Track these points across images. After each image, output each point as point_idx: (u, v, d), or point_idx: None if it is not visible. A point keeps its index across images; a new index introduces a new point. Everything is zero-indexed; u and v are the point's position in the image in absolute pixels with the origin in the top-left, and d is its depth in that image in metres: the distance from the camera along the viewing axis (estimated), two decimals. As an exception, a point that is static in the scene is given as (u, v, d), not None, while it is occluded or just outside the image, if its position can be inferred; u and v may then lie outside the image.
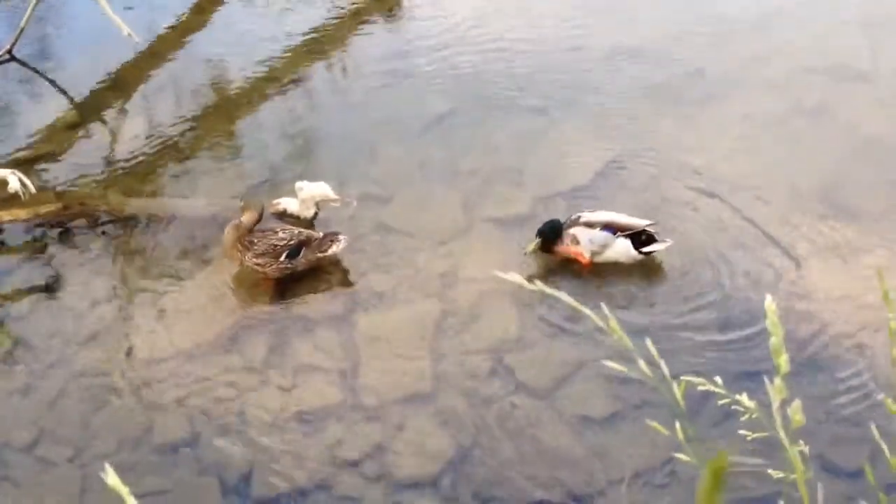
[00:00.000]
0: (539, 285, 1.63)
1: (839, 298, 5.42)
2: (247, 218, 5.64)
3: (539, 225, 5.78)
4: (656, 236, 5.66)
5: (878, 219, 5.98)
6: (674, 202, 6.22)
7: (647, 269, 5.67)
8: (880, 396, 4.89)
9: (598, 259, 5.68)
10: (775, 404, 1.53)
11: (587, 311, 1.62)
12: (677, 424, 1.63)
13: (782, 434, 1.55)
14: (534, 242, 5.72)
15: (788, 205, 6.15)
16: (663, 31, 8.11)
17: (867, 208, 6.07)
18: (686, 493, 4.46)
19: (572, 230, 5.68)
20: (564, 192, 6.29)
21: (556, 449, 4.69)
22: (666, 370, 1.61)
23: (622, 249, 5.63)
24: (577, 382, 5.04)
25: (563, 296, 1.58)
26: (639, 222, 5.67)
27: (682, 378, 1.82)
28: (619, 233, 5.63)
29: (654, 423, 1.81)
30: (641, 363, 1.56)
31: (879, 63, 7.58)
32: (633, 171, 6.52)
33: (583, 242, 5.65)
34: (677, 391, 1.61)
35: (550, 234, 5.72)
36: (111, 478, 1.53)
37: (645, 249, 5.63)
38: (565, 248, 5.70)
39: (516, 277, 1.65)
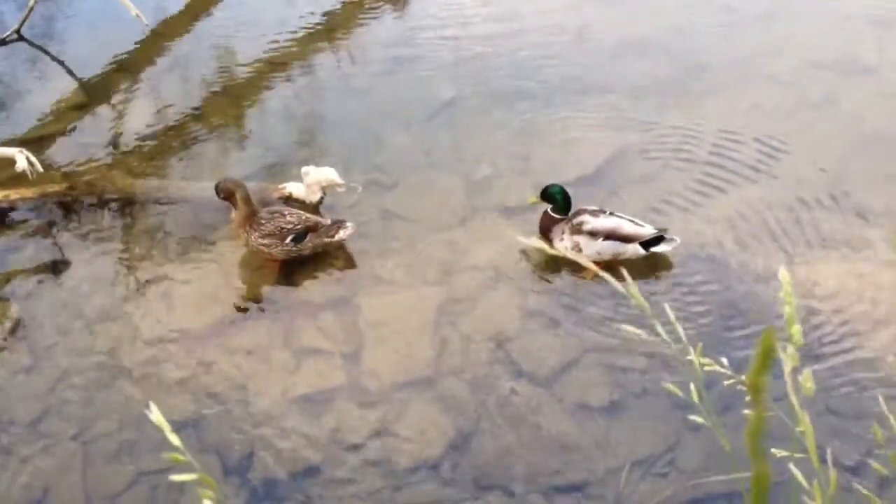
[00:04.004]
0: (559, 249, 1.64)
1: (842, 292, 5.43)
2: (241, 206, 5.65)
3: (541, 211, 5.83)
4: (664, 234, 5.62)
5: (883, 213, 6.00)
6: (678, 193, 6.24)
7: (651, 261, 5.68)
8: (879, 350, 4.93)
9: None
10: (787, 370, 1.57)
11: (606, 275, 1.64)
12: (692, 385, 1.65)
13: (794, 398, 1.58)
14: (537, 198, 5.76)
15: (793, 197, 6.17)
16: (669, 23, 8.12)
17: (872, 202, 6.09)
18: (685, 483, 4.49)
19: (576, 237, 5.65)
20: (569, 182, 6.28)
21: (557, 436, 4.72)
22: (682, 332, 1.63)
23: (630, 251, 5.61)
24: (577, 371, 5.06)
25: (583, 259, 1.59)
26: (645, 231, 5.57)
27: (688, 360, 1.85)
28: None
29: (668, 385, 1.83)
30: (658, 327, 1.58)
31: (885, 57, 7.59)
32: (638, 161, 6.54)
33: (586, 252, 5.60)
34: (694, 354, 1.64)
35: (560, 201, 5.69)
36: (155, 415, 1.62)
37: (653, 249, 5.59)
38: (565, 251, 5.66)
39: (536, 242, 1.67)
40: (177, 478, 1.68)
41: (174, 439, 1.67)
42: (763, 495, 1.05)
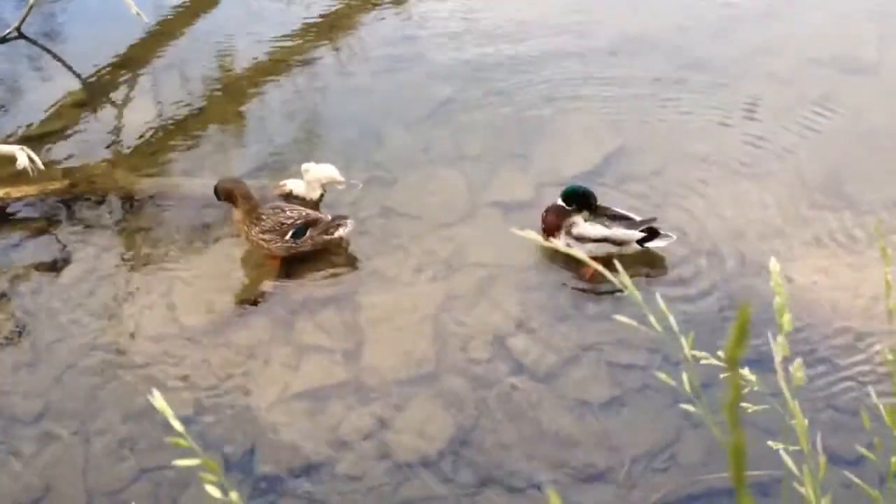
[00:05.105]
0: (554, 243, 1.67)
1: (839, 288, 5.44)
2: (242, 202, 5.65)
3: (542, 208, 5.83)
4: (660, 230, 5.61)
5: (882, 209, 6.00)
6: (677, 190, 6.25)
7: (648, 256, 5.69)
8: (878, 347, 4.95)
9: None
10: (778, 359, 1.58)
11: (599, 267, 1.65)
12: (684, 376, 1.66)
13: (784, 388, 1.59)
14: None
15: (792, 194, 6.17)
16: (670, 20, 8.12)
17: (870, 198, 6.10)
18: (686, 478, 4.50)
19: (568, 239, 5.60)
20: (569, 179, 6.30)
21: (557, 432, 4.74)
22: (674, 323, 1.65)
23: (624, 248, 5.59)
24: (578, 367, 5.07)
25: (578, 253, 1.61)
26: (634, 235, 5.55)
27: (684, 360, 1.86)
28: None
29: (661, 374, 1.85)
30: (652, 319, 1.59)
31: (885, 54, 7.59)
32: (638, 158, 6.54)
33: (578, 251, 5.52)
34: (685, 344, 1.65)
35: (575, 201, 5.62)
36: (158, 401, 1.64)
37: (648, 245, 5.59)
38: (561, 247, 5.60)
39: (532, 234, 1.69)
40: (180, 463, 1.69)
41: (177, 425, 1.68)
42: (740, 465, 1.08)
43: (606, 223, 5.61)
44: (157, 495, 4.50)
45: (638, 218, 5.62)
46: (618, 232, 5.57)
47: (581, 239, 5.57)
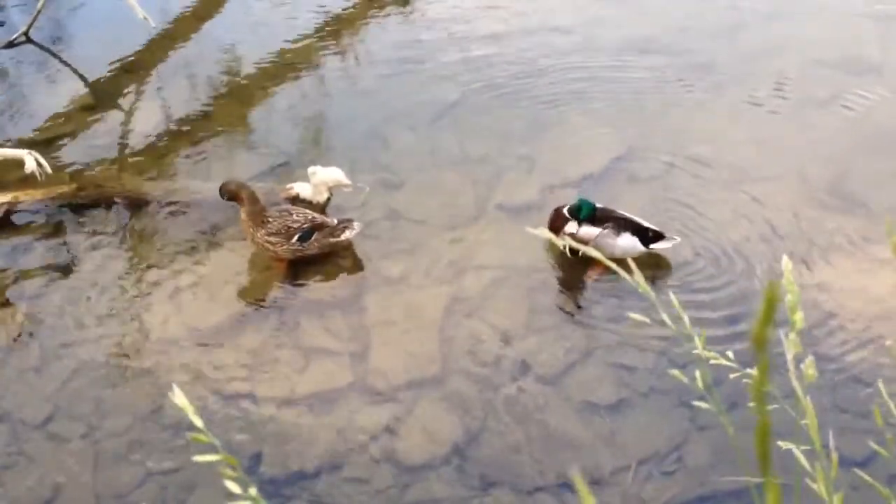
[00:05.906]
0: (567, 240, 1.68)
1: (847, 289, 5.44)
2: (247, 204, 5.65)
3: (548, 210, 5.82)
4: (665, 233, 5.61)
5: (888, 210, 5.99)
6: (683, 193, 6.24)
7: (655, 260, 5.69)
8: (888, 342, 4.95)
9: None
10: (790, 356, 1.59)
11: (612, 265, 1.65)
12: (696, 372, 1.66)
13: (797, 386, 1.60)
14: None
15: (798, 196, 6.17)
16: (674, 22, 8.13)
17: (876, 199, 6.09)
18: (693, 481, 4.50)
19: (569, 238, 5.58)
20: (575, 181, 6.31)
21: (564, 434, 4.73)
22: (686, 319, 1.65)
23: (628, 246, 5.54)
24: (585, 369, 5.07)
25: (590, 251, 1.61)
26: (594, 231, 5.55)
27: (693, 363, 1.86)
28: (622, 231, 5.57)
29: (676, 372, 1.85)
30: (664, 316, 1.60)
31: (890, 55, 7.59)
32: (644, 161, 6.54)
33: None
34: (698, 340, 1.66)
35: (579, 213, 5.59)
36: (178, 398, 1.64)
37: (653, 247, 5.59)
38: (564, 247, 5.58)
39: (546, 233, 1.69)
40: (200, 459, 1.69)
41: (198, 421, 1.68)
42: (766, 445, 1.08)
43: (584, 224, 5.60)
44: (164, 498, 4.51)
45: (645, 222, 5.61)
46: (581, 231, 5.57)
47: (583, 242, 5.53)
